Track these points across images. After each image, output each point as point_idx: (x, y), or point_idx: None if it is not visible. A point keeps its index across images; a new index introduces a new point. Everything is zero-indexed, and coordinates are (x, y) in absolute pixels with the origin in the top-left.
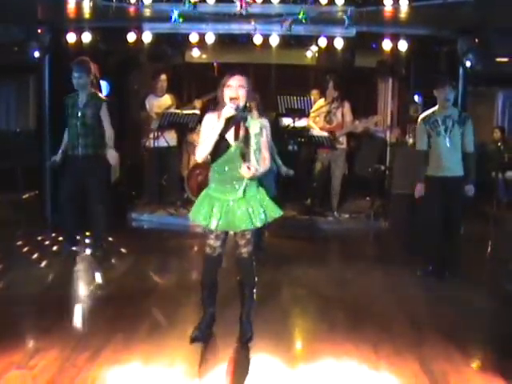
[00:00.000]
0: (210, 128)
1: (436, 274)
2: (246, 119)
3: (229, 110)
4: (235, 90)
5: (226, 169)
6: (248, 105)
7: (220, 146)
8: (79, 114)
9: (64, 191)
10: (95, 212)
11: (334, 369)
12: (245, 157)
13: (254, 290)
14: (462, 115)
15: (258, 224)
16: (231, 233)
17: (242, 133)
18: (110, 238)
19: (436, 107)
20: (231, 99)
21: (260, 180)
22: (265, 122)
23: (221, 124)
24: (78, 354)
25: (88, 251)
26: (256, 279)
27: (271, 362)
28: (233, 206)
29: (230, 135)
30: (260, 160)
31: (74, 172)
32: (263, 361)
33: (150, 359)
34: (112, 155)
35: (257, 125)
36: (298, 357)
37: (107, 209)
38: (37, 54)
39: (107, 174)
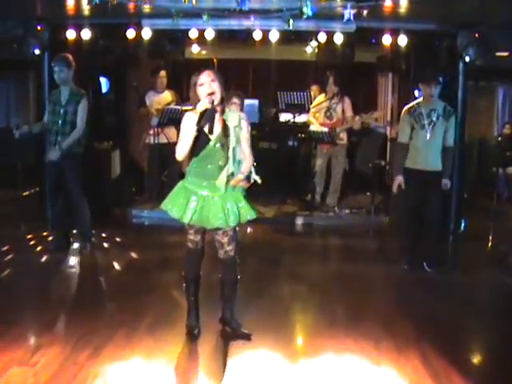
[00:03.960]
0: (189, 126)
1: (413, 264)
2: (223, 112)
3: (203, 104)
4: (209, 85)
5: (206, 164)
6: (223, 97)
7: (199, 141)
8: (61, 112)
9: (48, 191)
10: (78, 209)
11: (335, 364)
12: (224, 150)
13: (237, 286)
14: (447, 109)
15: (232, 224)
16: (209, 229)
17: (220, 126)
18: (111, 235)
19: (421, 99)
20: (208, 95)
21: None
22: (243, 115)
23: (195, 117)
24: (80, 350)
25: (77, 248)
26: (239, 277)
27: (272, 357)
28: (208, 201)
29: (208, 130)
30: (239, 154)
31: (54, 171)
32: (264, 356)
33: (151, 356)
34: (53, 152)
35: (235, 117)
36: (299, 352)
37: (88, 204)
38: (36, 51)
39: (81, 168)
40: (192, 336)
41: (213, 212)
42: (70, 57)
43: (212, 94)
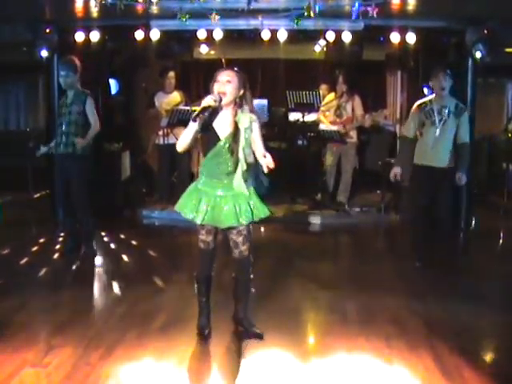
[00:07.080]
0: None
1: (423, 261)
2: (236, 114)
3: (208, 100)
4: (222, 85)
5: (216, 163)
6: (238, 100)
7: (209, 140)
8: (66, 113)
9: (58, 192)
10: (79, 211)
11: (347, 363)
12: (233, 152)
13: (251, 285)
14: (459, 107)
15: (244, 222)
16: (221, 229)
17: (231, 127)
18: (122, 236)
19: (433, 95)
20: (218, 93)
21: (248, 177)
22: (255, 117)
23: (197, 111)
24: (92, 351)
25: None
26: (252, 276)
27: (283, 356)
28: (220, 201)
29: (219, 128)
30: (248, 156)
31: (60, 172)
32: (275, 355)
33: (162, 356)
34: (79, 141)
35: (246, 119)
36: (310, 351)
37: (90, 207)
38: (45, 54)
39: (89, 173)
40: (203, 336)
41: (225, 211)
42: (76, 60)
43: (222, 93)
